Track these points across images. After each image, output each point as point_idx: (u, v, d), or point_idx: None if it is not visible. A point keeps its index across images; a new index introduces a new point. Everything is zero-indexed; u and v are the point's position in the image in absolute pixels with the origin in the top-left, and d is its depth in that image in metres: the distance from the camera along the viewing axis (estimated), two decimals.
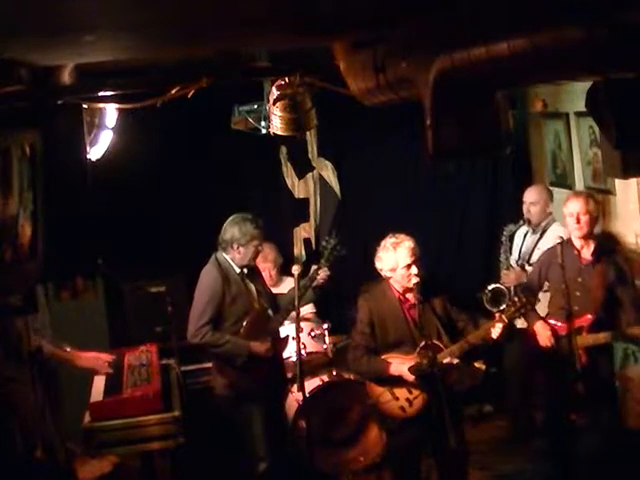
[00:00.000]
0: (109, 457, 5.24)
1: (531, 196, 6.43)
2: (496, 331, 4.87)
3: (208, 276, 5.52)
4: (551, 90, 6.76)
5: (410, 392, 4.99)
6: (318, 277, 5.78)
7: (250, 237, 5.47)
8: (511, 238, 6.53)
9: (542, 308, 5.66)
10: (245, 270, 5.57)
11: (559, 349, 5.33)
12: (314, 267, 5.90)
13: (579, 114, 6.39)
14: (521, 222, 6.45)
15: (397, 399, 5.01)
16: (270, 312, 5.66)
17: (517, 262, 6.45)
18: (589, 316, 5.28)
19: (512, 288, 6.33)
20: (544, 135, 7.17)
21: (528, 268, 6.35)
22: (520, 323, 5.74)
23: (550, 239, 6.27)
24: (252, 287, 5.62)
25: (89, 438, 4.70)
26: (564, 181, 6.92)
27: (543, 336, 5.39)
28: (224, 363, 5.51)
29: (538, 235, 6.40)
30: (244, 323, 5.48)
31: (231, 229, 5.50)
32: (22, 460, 4.44)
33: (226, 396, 5.54)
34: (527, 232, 6.49)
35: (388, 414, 5.08)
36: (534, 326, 5.45)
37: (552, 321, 5.45)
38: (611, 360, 5.60)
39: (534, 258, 6.33)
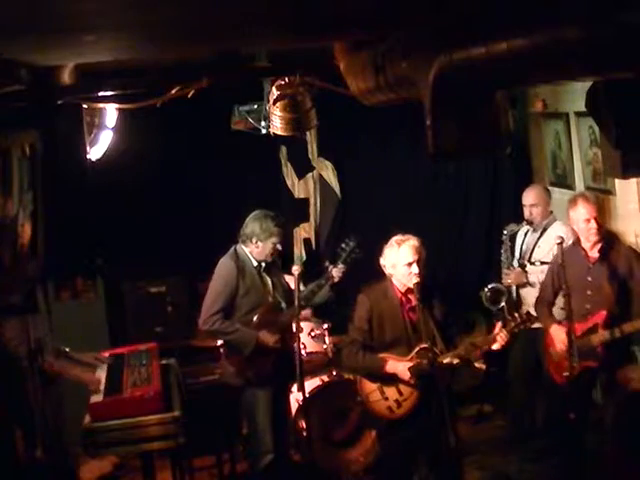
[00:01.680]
0: (109, 457, 5.23)
1: (531, 198, 6.40)
2: (497, 343, 4.88)
3: (224, 267, 5.63)
4: (551, 90, 6.76)
5: (400, 394, 4.99)
6: (334, 274, 5.86)
7: (269, 234, 5.57)
8: (512, 238, 6.54)
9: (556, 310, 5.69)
10: (263, 264, 5.64)
11: (573, 350, 5.32)
12: (330, 266, 5.96)
13: (579, 114, 6.39)
14: (524, 223, 6.45)
15: (386, 399, 5.01)
16: (284, 306, 5.71)
17: (518, 261, 6.46)
18: (603, 312, 5.29)
19: (513, 287, 6.36)
20: (544, 135, 7.17)
21: (529, 267, 6.36)
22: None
23: (551, 237, 6.29)
24: (268, 280, 5.71)
25: (89, 438, 4.69)
26: (564, 181, 6.92)
27: (558, 339, 5.40)
28: (233, 351, 5.61)
29: (538, 234, 6.41)
30: (256, 314, 5.56)
31: (252, 224, 5.61)
32: (22, 460, 4.44)
33: (234, 384, 5.65)
34: (528, 231, 6.49)
35: (375, 413, 5.08)
36: (550, 329, 5.46)
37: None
38: (629, 354, 5.57)
39: (535, 257, 6.34)
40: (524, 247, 6.45)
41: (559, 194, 6.74)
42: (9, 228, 3.33)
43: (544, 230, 6.36)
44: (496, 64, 2.71)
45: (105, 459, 5.27)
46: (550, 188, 7.14)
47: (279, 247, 5.70)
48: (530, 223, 6.41)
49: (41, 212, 3.56)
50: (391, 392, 5.01)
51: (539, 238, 6.38)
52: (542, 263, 6.31)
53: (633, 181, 5.74)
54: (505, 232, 6.56)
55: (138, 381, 4.97)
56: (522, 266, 6.39)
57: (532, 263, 6.37)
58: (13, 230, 3.36)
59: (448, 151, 3.13)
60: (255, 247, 5.61)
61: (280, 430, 5.70)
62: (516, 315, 5.07)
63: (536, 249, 6.36)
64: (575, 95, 6.26)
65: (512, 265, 6.43)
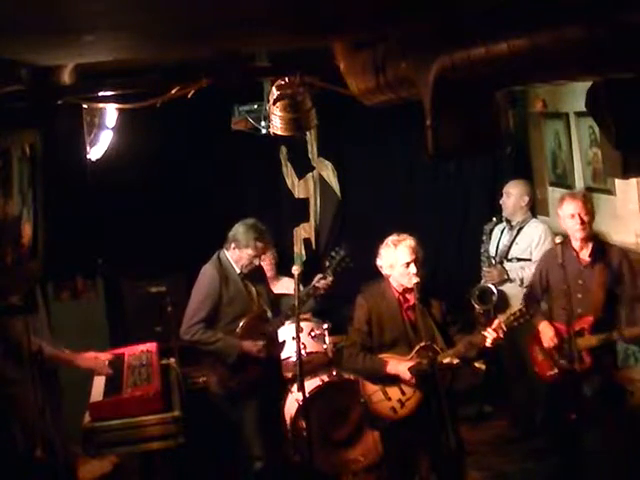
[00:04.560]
0: (109, 457, 5.23)
1: (507, 187, 6.64)
2: (496, 339, 4.89)
3: (206, 275, 5.57)
4: (551, 90, 6.76)
5: (403, 393, 4.99)
6: (320, 286, 5.80)
7: (246, 244, 5.49)
8: (490, 235, 6.69)
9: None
10: (245, 271, 5.58)
11: (562, 350, 5.33)
12: (318, 276, 5.90)
13: (579, 114, 6.39)
14: (495, 219, 6.66)
15: (389, 399, 5.01)
16: (269, 314, 5.68)
17: (494, 258, 6.57)
18: (590, 317, 5.27)
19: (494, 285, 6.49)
20: (544, 135, 7.17)
21: (506, 265, 6.47)
22: None
23: (527, 235, 6.44)
24: (252, 289, 5.65)
25: (89, 438, 4.69)
26: (564, 181, 6.92)
27: (546, 336, 5.40)
28: (216, 361, 5.56)
29: (515, 231, 6.59)
30: (241, 323, 5.51)
31: (236, 228, 5.57)
32: (22, 460, 4.44)
33: (219, 394, 5.62)
34: (504, 229, 6.63)
35: (378, 414, 5.08)
36: (539, 326, 5.45)
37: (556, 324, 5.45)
38: (614, 360, 5.59)
39: (512, 254, 6.47)
40: (501, 245, 6.59)
41: (559, 194, 6.73)
42: (10, 228, 3.33)
43: (520, 228, 6.52)
44: (496, 64, 2.71)
45: (105, 459, 5.27)
46: (550, 188, 7.18)
47: (256, 262, 5.61)
48: (507, 221, 6.60)
49: (41, 212, 3.55)
50: (394, 392, 5.00)
51: (516, 236, 6.53)
52: (519, 260, 6.45)
53: (633, 181, 5.74)
54: (486, 228, 6.69)
55: (138, 381, 4.97)
56: (500, 264, 6.52)
57: (510, 260, 6.50)
58: (15, 230, 3.36)
59: (448, 151, 3.13)
60: (233, 253, 5.55)
61: (271, 437, 5.68)
62: (515, 308, 5.08)
63: (513, 246, 6.53)
64: (575, 95, 6.26)
65: (492, 263, 6.54)
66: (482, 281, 6.61)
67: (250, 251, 5.51)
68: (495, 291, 6.48)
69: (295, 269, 5.23)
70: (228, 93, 5.58)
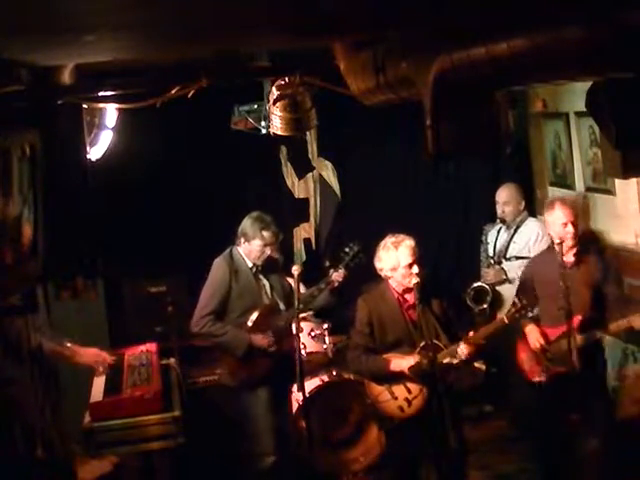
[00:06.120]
0: (109, 457, 5.23)
1: (503, 196, 6.63)
2: (497, 329, 4.90)
3: (216, 269, 5.66)
4: (551, 90, 6.76)
5: (409, 392, 4.99)
6: (333, 278, 5.83)
7: (253, 235, 5.57)
8: (488, 235, 6.71)
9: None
10: (258, 263, 5.61)
11: (551, 352, 5.33)
12: (331, 270, 5.94)
13: (579, 114, 6.39)
14: (498, 221, 6.61)
15: (396, 398, 5.02)
16: (282, 307, 5.71)
17: (493, 259, 6.57)
18: (578, 317, 5.26)
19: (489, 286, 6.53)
20: (544, 135, 7.17)
21: (505, 264, 6.50)
22: None
23: (525, 234, 6.45)
24: (265, 282, 5.71)
25: (89, 438, 4.69)
26: (564, 181, 6.92)
27: (533, 338, 5.38)
28: (224, 353, 5.62)
29: (512, 230, 6.61)
30: (252, 317, 5.54)
31: (244, 222, 5.67)
32: (23, 460, 4.44)
33: (228, 386, 5.68)
34: (500, 229, 6.64)
35: (386, 413, 5.08)
36: (525, 329, 5.44)
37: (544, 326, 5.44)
38: (602, 359, 5.58)
39: (510, 253, 6.49)
40: (498, 245, 6.61)
41: (559, 194, 6.75)
42: (11, 228, 3.33)
43: (517, 227, 6.54)
44: (496, 64, 2.71)
45: (105, 459, 5.27)
46: (550, 188, 7.19)
47: (268, 252, 5.66)
48: (502, 221, 6.61)
49: (41, 212, 3.55)
50: (400, 391, 5.01)
51: (513, 234, 6.55)
52: (517, 258, 6.47)
53: (633, 181, 5.74)
54: (485, 228, 6.71)
55: (138, 381, 4.98)
56: (499, 263, 6.53)
57: (508, 259, 6.52)
58: (15, 230, 3.36)
59: (448, 151, 3.13)
60: (245, 247, 5.63)
61: (282, 432, 5.70)
62: (516, 301, 5.07)
63: (511, 245, 6.56)
64: (575, 95, 6.26)
65: (491, 264, 6.56)
66: (481, 281, 6.62)
67: (258, 241, 5.60)
68: (490, 291, 6.50)
69: (295, 269, 5.24)
70: (228, 93, 5.57)
